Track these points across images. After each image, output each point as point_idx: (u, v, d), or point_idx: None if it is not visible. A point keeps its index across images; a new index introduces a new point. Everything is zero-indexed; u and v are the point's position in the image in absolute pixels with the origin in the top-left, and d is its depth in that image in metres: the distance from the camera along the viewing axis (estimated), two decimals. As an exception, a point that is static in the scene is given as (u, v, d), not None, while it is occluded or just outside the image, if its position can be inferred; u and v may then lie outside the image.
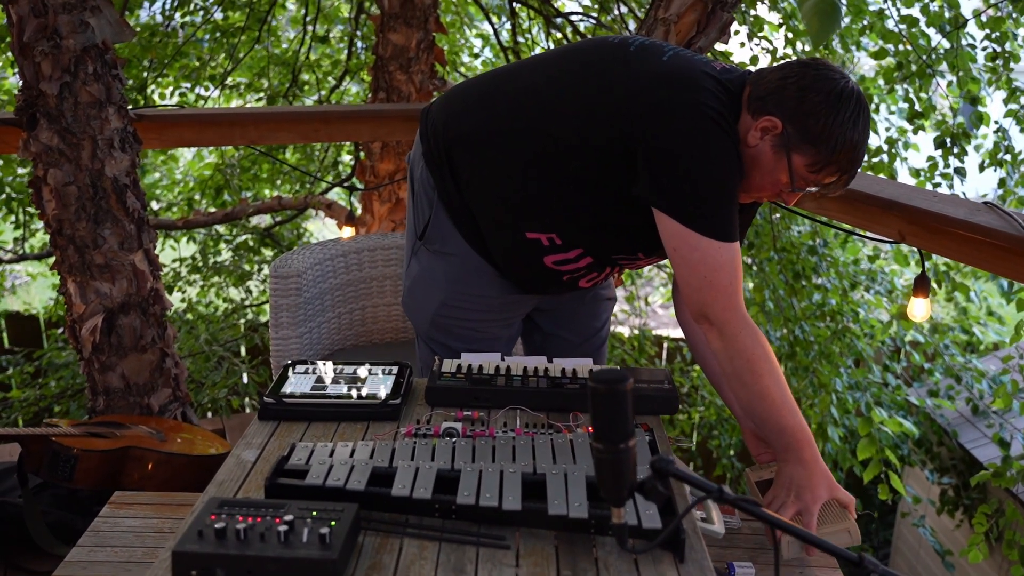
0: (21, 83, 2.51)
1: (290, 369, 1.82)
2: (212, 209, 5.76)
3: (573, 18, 4.67)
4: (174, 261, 5.74)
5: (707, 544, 1.63)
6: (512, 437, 1.52)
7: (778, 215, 4.34)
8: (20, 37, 2.42)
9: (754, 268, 4.54)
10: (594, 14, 4.79)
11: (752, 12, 4.20)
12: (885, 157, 4.08)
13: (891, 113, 4.47)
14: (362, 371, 1.80)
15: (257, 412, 1.67)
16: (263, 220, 6.31)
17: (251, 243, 5.95)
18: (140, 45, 4.62)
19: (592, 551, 1.25)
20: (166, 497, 1.96)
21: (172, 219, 5.32)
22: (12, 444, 2.78)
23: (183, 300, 5.93)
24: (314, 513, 1.23)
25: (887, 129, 4.26)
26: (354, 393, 1.69)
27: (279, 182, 6.05)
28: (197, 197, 6.04)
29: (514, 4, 4.62)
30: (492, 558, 1.24)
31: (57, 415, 5.00)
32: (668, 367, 5.65)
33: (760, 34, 4.19)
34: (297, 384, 1.74)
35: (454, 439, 1.51)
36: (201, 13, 4.84)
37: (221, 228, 6.13)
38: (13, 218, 5.33)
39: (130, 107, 2.70)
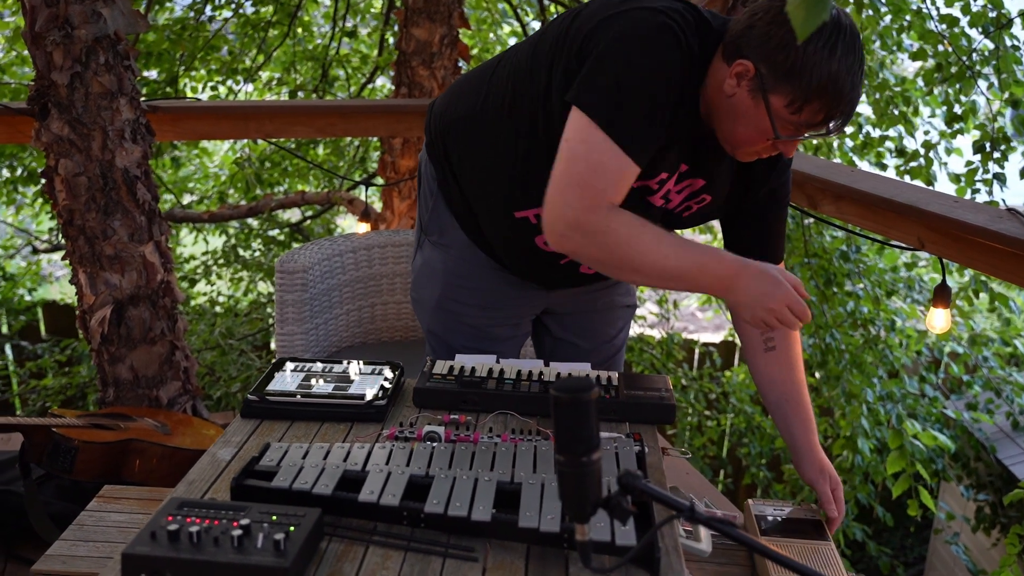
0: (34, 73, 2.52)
1: (280, 366, 1.78)
2: (243, 202, 5.78)
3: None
4: (204, 254, 5.77)
5: (698, 562, 1.56)
6: (495, 443, 1.46)
7: (810, 220, 4.22)
8: (32, 26, 2.42)
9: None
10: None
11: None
12: (923, 161, 3.95)
13: (932, 116, 4.32)
14: (352, 370, 1.76)
15: (240, 410, 1.63)
16: (295, 215, 6.34)
17: (281, 237, 5.97)
18: (169, 39, 4.64)
19: (564, 567, 1.19)
20: (155, 492, 1.93)
21: (198, 212, 5.34)
22: (16, 434, 2.79)
23: (214, 293, 5.97)
24: (273, 517, 1.18)
25: (926, 133, 4.12)
26: (339, 393, 1.65)
27: (311, 177, 6.05)
28: (231, 191, 6.08)
29: (544, 1, 4.56)
30: (457, 570, 1.18)
31: (86, 404, 5.06)
32: (697, 372, 5.55)
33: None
34: (283, 382, 1.70)
35: (434, 443, 1.46)
36: (232, 6, 4.85)
37: (254, 222, 6.16)
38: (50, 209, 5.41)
39: (144, 99, 2.69)
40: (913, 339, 4.36)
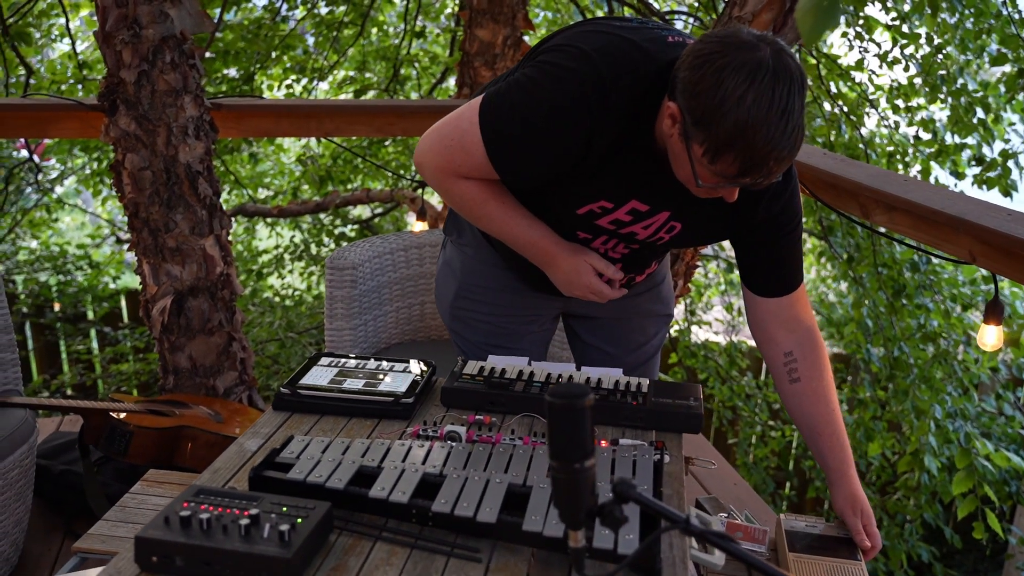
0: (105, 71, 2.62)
1: (316, 360, 1.82)
2: (316, 198, 5.90)
3: (671, 17, 4.55)
4: (276, 248, 5.91)
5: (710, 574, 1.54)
6: (513, 445, 1.47)
7: (883, 228, 4.10)
8: (104, 26, 2.52)
9: (844, 280, 4.31)
10: (698, 14, 4.65)
11: (862, 12, 3.98)
12: (1001, 170, 3.79)
13: (1011, 124, 4.15)
14: (384, 367, 1.79)
15: (272, 402, 1.68)
16: (369, 212, 6.44)
17: (351, 233, 6.08)
18: (245, 38, 4.78)
19: (568, 572, 1.19)
20: (196, 478, 1.99)
21: (269, 207, 5.48)
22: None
23: (285, 286, 6.11)
24: (284, 509, 1.21)
25: (1006, 141, 3.96)
26: (369, 389, 1.67)
27: (382, 175, 6.15)
28: (305, 187, 6.22)
29: (612, 3, 4.54)
30: (460, 570, 1.19)
31: (157, 390, 5.24)
32: (761, 381, 5.44)
33: (869, 36, 3.97)
34: (317, 376, 1.73)
35: (453, 443, 1.47)
36: (307, 6, 4.96)
37: (326, 218, 6.29)
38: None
39: (210, 96, 2.77)
40: (986, 355, 4.19)
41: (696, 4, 4.83)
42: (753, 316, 1.79)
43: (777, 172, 1.38)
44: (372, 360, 1.82)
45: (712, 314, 6.15)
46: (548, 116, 1.49)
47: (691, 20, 4.65)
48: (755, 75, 1.29)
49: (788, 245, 1.71)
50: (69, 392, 5.72)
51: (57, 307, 6.03)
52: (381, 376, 1.74)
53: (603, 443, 1.53)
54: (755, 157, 1.33)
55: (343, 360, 1.82)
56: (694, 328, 5.67)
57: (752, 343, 6.52)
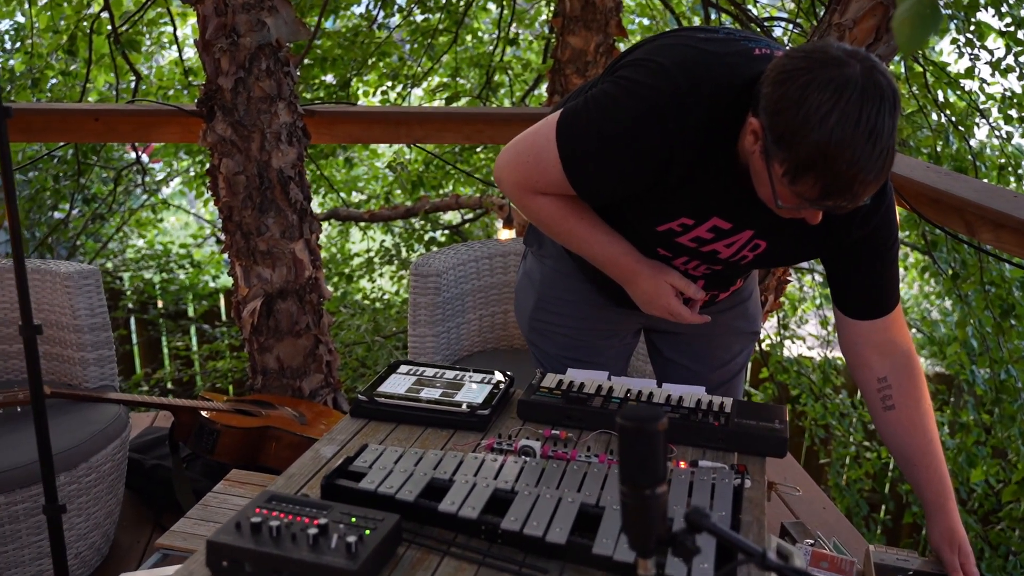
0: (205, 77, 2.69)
1: (395, 368, 1.82)
2: (407, 203, 5.97)
3: (770, 24, 4.43)
4: (368, 251, 6.00)
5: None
6: (588, 463, 1.44)
7: (989, 246, 3.90)
8: (204, 34, 2.59)
9: (949, 298, 4.12)
10: (798, 20, 4.52)
11: (974, 18, 3.80)
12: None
13: None
14: (463, 377, 1.78)
15: (350, 409, 1.68)
16: (458, 216, 6.49)
17: (442, 239, 6.12)
18: (342, 45, 4.87)
19: (638, 599, 1.15)
20: (276, 480, 2.02)
21: (360, 211, 5.57)
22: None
23: (376, 289, 6.20)
24: (352, 519, 1.21)
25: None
26: (446, 399, 1.67)
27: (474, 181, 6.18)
28: (398, 192, 6.30)
29: (709, 9, 4.45)
30: (527, 591, 1.16)
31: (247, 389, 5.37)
32: (857, 399, 5.25)
33: (980, 43, 3.78)
34: (395, 384, 1.73)
35: (527, 458, 1.45)
36: (403, 13, 5.03)
37: (417, 223, 6.36)
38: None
39: (303, 103, 2.83)
40: (1103, 382, 3.94)
41: (796, 10, 4.69)
42: (845, 338, 1.71)
43: (863, 197, 1.30)
44: (450, 369, 1.81)
45: (806, 328, 5.97)
46: (624, 134, 1.45)
47: (790, 27, 4.52)
48: (841, 92, 1.22)
49: (883, 265, 1.62)
50: (169, 386, 5.94)
51: (160, 304, 6.26)
52: (459, 386, 1.73)
53: (682, 464, 1.48)
54: (838, 180, 1.27)
55: (422, 369, 1.81)
56: (787, 343, 5.50)
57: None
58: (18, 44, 5.27)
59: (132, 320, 6.12)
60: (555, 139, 1.53)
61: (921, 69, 4.22)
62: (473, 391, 1.71)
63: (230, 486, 1.96)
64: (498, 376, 1.78)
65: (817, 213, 1.40)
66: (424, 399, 1.67)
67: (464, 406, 1.64)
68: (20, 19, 5.34)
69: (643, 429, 0.96)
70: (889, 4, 2.18)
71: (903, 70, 4.33)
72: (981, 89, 4.45)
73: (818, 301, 5.81)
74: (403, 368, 1.82)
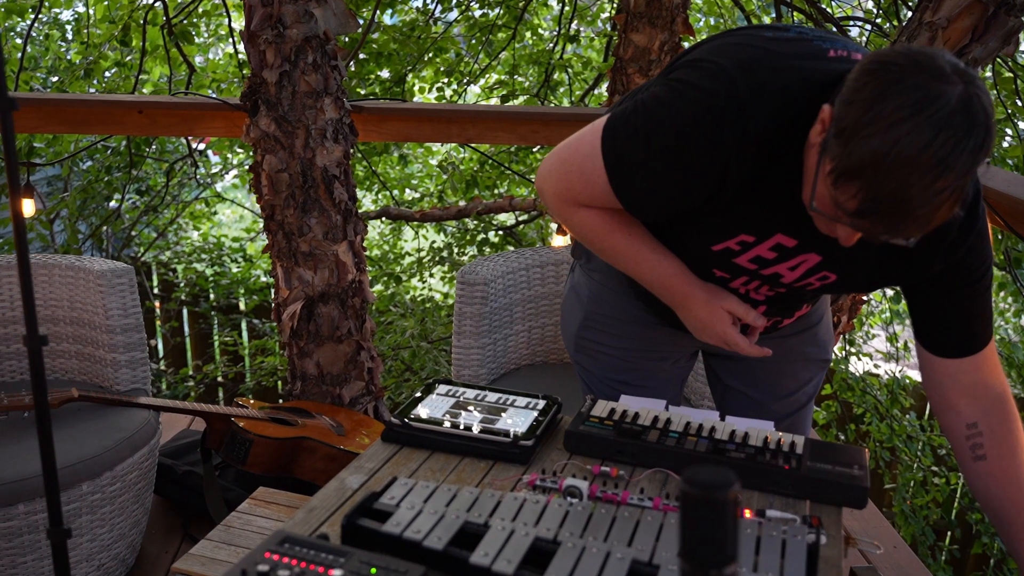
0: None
1: (432, 389, 1.68)
2: (461, 203, 5.85)
3: (846, 23, 4.20)
4: (419, 250, 5.90)
5: None
6: (641, 508, 1.28)
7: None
8: (249, 25, 2.48)
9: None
10: (878, 20, 4.28)
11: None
12: None
13: None
14: (505, 401, 1.63)
15: (382, 433, 1.55)
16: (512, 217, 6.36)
17: (495, 240, 5.99)
18: (397, 40, 4.75)
19: None
20: (304, 500, 1.90)
21: (411, 211, 5.46)
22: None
23: (426, 290, 6.10)
24: (372, 571, 1.07)
25: None
26: (486, 426, 1.52)
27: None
28: (451, 190, 6.19)
29: (781, 7, 4.24)
30: (567, 665, 1.01)
31: (286, 394, 5.31)
32: (926, 421, 4.98)
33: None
34: (432, 406, 1.59)
35: (572, 499, 1.29)
36: (460, 8, 4.90)
37: (471, 222, 6.24)
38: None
39: (351, 98, 2.70)
40: None
41: (875, 11, 4.45)
42: (929, 378, 1.51)
43: (902, 232, 1.13)
44: (493, 392, 1.67)
45: (873, 344, 5.70)
46: (676, 143, 1.29)
47: (867, 27, 4.28)
48: (926, 106, 1.05)
49: (973, 298, 1.43)
50: (219, 379, 5.91)
51: (212, 297, 6.24)
52: (501, 411, 1.58)
53: (747, 513, 1.32)
54: (880, 200, 1.09)
55: (462, 390, 1.67)
56: (852, 359, 5.25)
57: (917, 378, 6.02)
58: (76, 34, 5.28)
59: (184, 312, 6.11)
60: (600, 147, 1.37)
61: (1011, 74, 3.96)
62: (516, 417, 1.56)
63: (255, 505, 1.84)
64: (544, 401, 1.63)
65: (852, 235, 1.22)
66: (463, 424, 1.52)
67: (506, 435, 1.49)
68: (80, 9, 5.34)
69: (711, 498, 0.80)
70: (988, 2, 1.97)
71: (989, 74, 4.07)
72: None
73: (886, 315, 5.55)
74: (441, 388, 1.68)
